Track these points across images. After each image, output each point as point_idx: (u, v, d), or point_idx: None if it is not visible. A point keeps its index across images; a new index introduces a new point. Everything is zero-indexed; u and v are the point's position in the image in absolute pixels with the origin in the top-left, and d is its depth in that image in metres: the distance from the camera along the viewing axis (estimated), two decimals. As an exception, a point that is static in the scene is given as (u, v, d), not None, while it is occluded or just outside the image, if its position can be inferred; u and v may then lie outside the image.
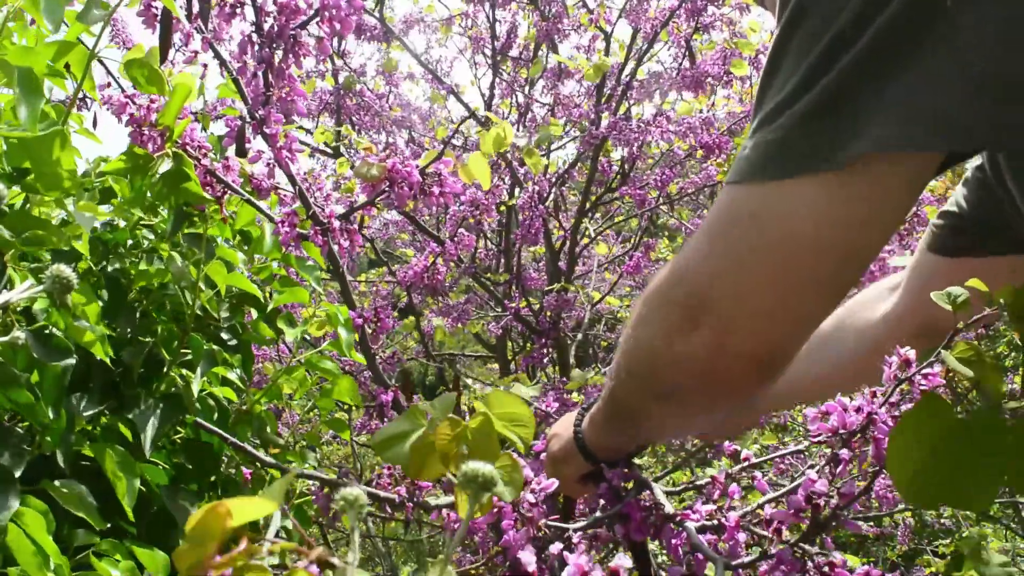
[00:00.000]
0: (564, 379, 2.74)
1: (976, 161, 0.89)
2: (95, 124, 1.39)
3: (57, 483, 0.93)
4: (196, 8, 1.27)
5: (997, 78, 0.54)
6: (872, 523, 3.90)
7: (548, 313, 3.08)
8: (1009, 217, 0.78)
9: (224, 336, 1.22)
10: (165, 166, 1.15)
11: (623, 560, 0.60)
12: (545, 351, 3.14)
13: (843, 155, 0.56)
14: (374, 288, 4.11)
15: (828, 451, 0.75)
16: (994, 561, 0.68)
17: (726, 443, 0.89)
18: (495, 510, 0.76)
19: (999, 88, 0.54)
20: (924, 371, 0.69)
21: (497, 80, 3.85)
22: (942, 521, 3.56)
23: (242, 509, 0.39)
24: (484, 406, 0.61)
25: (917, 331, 0.92)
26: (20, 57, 0.96)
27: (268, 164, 1.35)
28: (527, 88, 3.83)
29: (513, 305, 3.16)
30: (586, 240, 3.63)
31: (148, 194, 1.16)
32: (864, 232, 0.60)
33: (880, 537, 3.67)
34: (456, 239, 2.16)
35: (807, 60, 0.58)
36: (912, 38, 0.54)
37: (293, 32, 1.24)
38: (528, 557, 0.65)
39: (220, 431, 0.88)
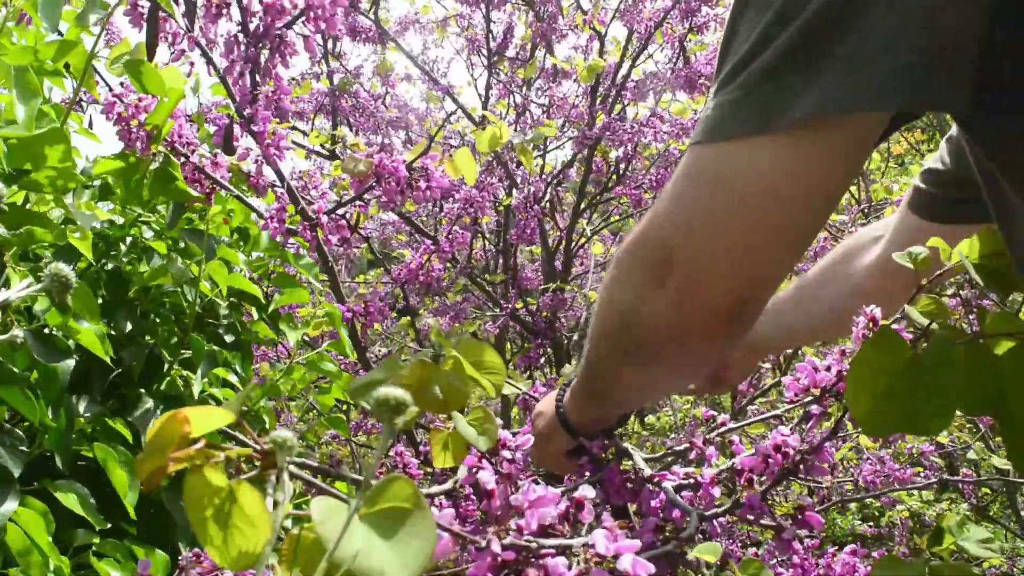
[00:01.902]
0: (558, 378, 2.74)
1: None
2: (91, 125, 1.39)
3: (57, 483, 0.93)
4: (182, 7, 1.27)
5: (923, 45, 0.56)
6: (870, 523, 3.91)
7: (544, 313, 3.08)
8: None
9: (224, 336, 1.22)
10: (156, 165, 1.15)
11: (587, 491, 0.61)
12: (541, 351, 3.14)
13: (789, 116, 0.58)
14: (372, 289, 4.10)
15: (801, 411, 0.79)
16: (974, 536, 0.69)
17: (703, 409, 0.92)
18: (474, 470, 0.78)
19: (924, 55, 0.56)
20: (892, 326, 0.71)
21: (493, 81, 3.85)
22: (940, 519, 3.56)
23: (200, 418, 0.41)
24: (456, 352, 0.62)
25: (903, 285, 0.97)
26: (19, 57, 0.96)
27: (257, 161, 1.36)
28: (523, 89, 3.83)
29: (509, 305, 3.16)
30: (582, 240, 3.63)
31: (143, 192, 1.16)
32: (816, 186, 0.62)
33: (878, 537, 3.68)
34: (451, 237, 2.16)
35: (762, 22, 0.60)
36: (851, 5, 0.56)
37: (279, 32, 1.24)
38: (487, 476, 0.66)
39: (227, 431, 0.88)
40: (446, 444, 0.68)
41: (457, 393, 0.61)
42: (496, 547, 0.51)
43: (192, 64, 1.38)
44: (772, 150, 0.60)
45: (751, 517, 0.75)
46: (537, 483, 0.84)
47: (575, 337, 3.31)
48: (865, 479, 2.67)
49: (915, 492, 3.60)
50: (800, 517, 0.76)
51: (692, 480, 0.81)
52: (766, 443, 0.76)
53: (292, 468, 0.42)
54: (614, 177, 3.53)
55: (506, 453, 0.79)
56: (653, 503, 0.81)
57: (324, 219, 1.31)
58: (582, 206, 3.39)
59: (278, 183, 1.41)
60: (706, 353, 0.72)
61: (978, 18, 0.57)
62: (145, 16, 1.27)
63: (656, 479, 0.82)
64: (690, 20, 3.24)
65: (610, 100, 3.22)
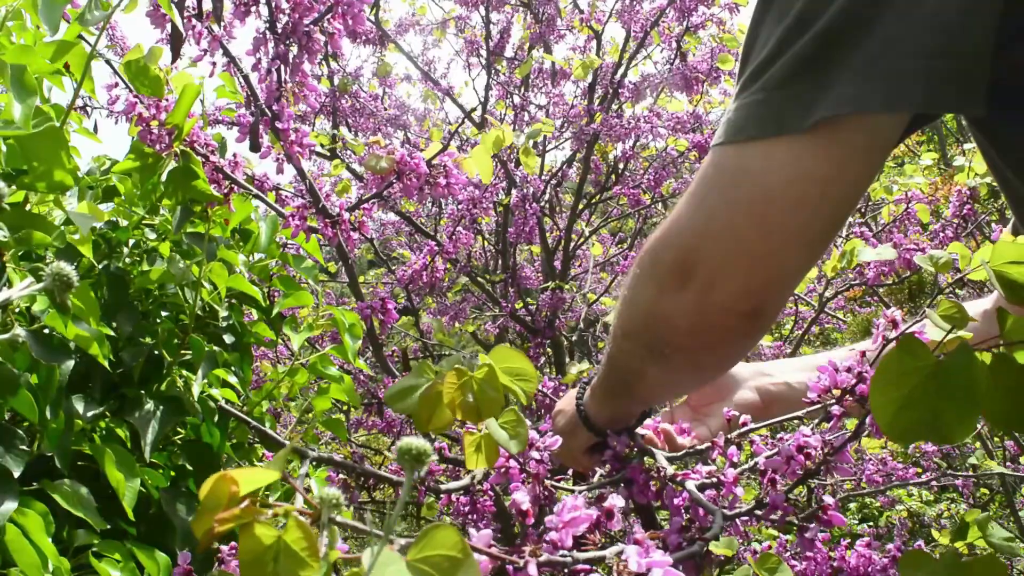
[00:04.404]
0: (559, 376, 2.74)
1: None
2: (95, 130, 1.39)
3: (57, 483, 0.93)
4: (208, 6, 1.28)
5: (940, 46, 0.56)
6: (869, 523, 3.91)
7: (544, 313, 3.09)
8: None
9: (224, 337, 1.22)
10: (172, 164, 1.15)
11: (616, 500, 0.62)
12: (541, 351, 3.14)
13: (808, 118, 0.59)
14: (371, 290, 4.10)
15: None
16: (999, 534, 0.69)
17: (724, 409, 0.92)
18: (503, 470, 0.79)
19: (941, 56, 0.57)
20: (912, 330, 0.72)
21: (492, 81, 3.85)
22: (940, 521, 3.57)
23: (248, 478, 0.43)
24: (490, 359, 0.63)
25: None
26: (18, 56, 0.96)
27: (278, 159, 1.36)
28: (522, 89, 3.83)
29: (509, 305, 3.16)
30: (581, 240, 3.63)
31: (155, 192, 1.16)
32: (834, 188, 0.63)
33: (877, 537, 3.68)
34: (454, 237, 2.16)
35: (781, 27, 0.61)
36: (870, 7, 0.57)
37: (307, 28, 1.25)
38: (522, 496, 0.67)
39: (245, 416, 0.89)
40: (479, 447, 0.69)
41: (492, 402, 0.62)
42: (533, 569, 0.52)
43: (214, 64, 1.38)
44: (789, 152, 0.61)
45: (775, 517, 0.76)
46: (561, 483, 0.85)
47: (574, 337, 3.31)
48: (868, 477, 2.68)
49: (914, 492, 3.60)
50: (823, 516, 0.77)
51: (715, 479, 0.82)
52: (788, 444, 0.77)
53: (338, 518, 0.45)
54: (613, 177, 3.53)
55: (534, 454, 0.80)
56: (676, 501, 0.83)
57: (345, 216, 1.32)
58: (580, 206, 3.39)
59: (287, 186, 1.42)
60: (727, 351, 0.74)
61: (991, 21, 0.57)
62: (167, 17, 1.27)
63: (679, 478, 0.83)
64: (686, 19, 3.24)
65: (608, 99, 3.22)
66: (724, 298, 0.66)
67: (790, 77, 0.60)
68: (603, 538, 0.62)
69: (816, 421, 0.81)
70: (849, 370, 0.79)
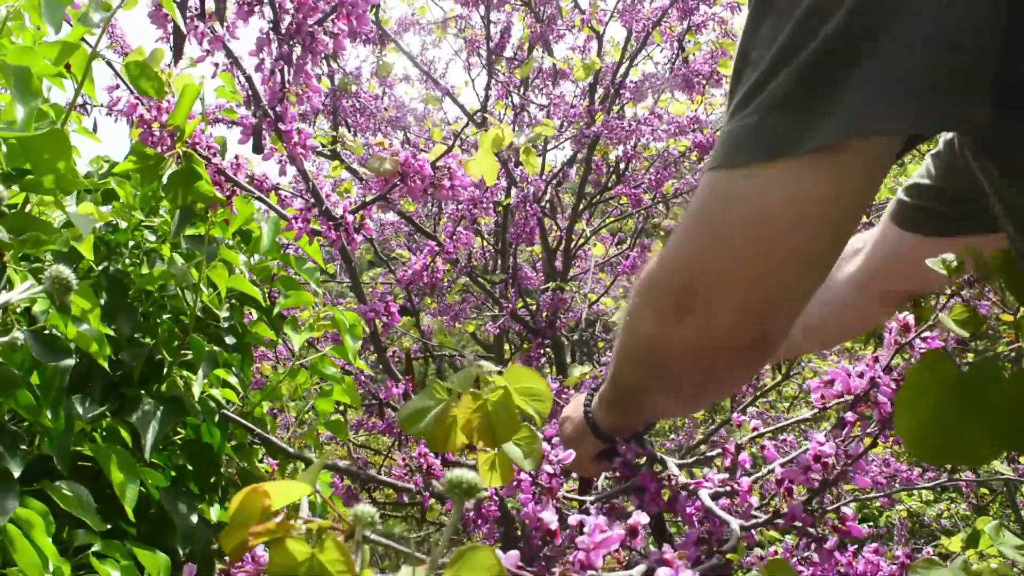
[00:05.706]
0: (560, 377, 2.74)
1: (947, 135, 0.90)
2: (95, 128, 1.39)
3: (57, 484, 0.93)
4: (211, 6, 1.28)
5: (943, 66, 0.56)
6: (869, 524, 3.91)
7: (545, 313, 3.08)
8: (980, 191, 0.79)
9: (225, 337, 1.22)
10: (174, 166, 1.15)
11: (640, 517, 0.62)
12: (541, 351, 3.14)
13: (806, 143, 0.58)
14: (370, 290, 4.10)
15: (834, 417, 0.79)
16: (1011, 542, 0.69)
17: (733, 415, 0.92)
18: (515, 483, 0.79)
19: (944, 76, 0.56)
20: (923, 335, 0.71)
21: (492, 81, 3.85)
22: (940, 521, 3.57)
23: (279, 492, 0.43)
24: (504, 380, 0.62)
25: (879, 299, 0.97)
26: (19, 57, 0.96)
27: (280, 161, 1.36)
28: (522, 89, 3.83)
29: (509, 305, 3.15)
30: (582, 240, 3.63)
31: (155, 195, 1.16)
32: (833, 210, 0.62)
33: (876, 537, 3.68)
34: (454, 237, 2.16)
35: (775, 45, 0.60)
36: (869, 28, 0.56)
37: (311, 29, 1.25)
38: (550, 516, 0.67)
39: (247, 424, 0.89)
40: (493, 464, 0.68)
41: (508, 425, 0.61)
42: None
43: (216, 65, 1.38)
44: (786, 175, 0.60)
45: (796, 527, 0.76)
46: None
47: (575, 337, 3.31)
48: (874, 479, 2.67)
49: (914, 492, 3.59)
50: (841, 528, 0.76)
51: (728, 487, 0.81)
52: (805, 453, 0.76)
53: (372, 536, 0.45)
54: (614, 177, 3.53)
55: (548, 468, 0.80)
56: (688, 510, 0.82)
57: (349, 219, 1.32)
58: (581, 206, 3.39)
59: (287, 186, 1.42)
60: (731, 377, 0.72)
61: (993, 38, 0.56)
62: (170, 17, 1.27)
63: (692, 487, 0.82)
64: (688, 19, 3.24)
65: (608, 100, 3.22)
66: (725, 324, 0.64)
67: (785, 99, 0.59)
68: (627, 554, 0.63)
69: (830, 428, 0.80)
70: (862, 375, 0.78)
